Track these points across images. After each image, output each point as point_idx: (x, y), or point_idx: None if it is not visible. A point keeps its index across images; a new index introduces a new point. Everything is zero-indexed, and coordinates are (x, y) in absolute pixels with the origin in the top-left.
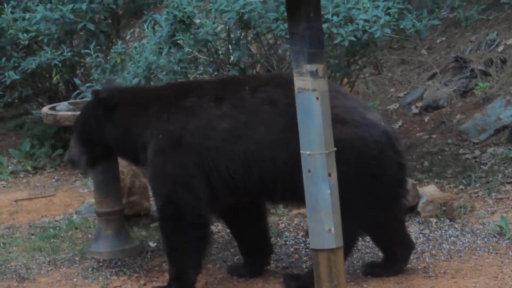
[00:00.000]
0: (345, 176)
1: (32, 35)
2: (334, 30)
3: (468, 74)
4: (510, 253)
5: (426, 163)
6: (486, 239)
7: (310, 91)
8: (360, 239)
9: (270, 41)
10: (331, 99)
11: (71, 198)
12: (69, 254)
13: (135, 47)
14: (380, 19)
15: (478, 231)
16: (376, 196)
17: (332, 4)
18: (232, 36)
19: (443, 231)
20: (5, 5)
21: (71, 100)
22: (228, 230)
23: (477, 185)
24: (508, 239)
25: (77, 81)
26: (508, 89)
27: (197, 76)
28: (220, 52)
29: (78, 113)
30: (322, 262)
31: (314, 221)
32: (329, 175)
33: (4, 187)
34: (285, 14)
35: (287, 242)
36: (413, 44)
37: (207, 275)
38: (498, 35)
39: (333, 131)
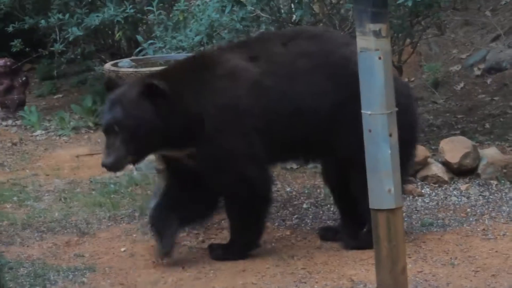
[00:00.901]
0: None
1: None
2: None
3: None
4: None
5: (487, 125)
6: None
7: (372, 50)
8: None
9: (333, 0)
10: None
11: None
12: (128, 210)
13: (198, 5)
14: None
15: None
16: None
17: None
18: None
19: (503, 194)
20: None
21: (133, 57)
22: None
23: None
24: None
25: (139, 38)
26: None
27: None
28: (282, 10)
29: (123, 103)
30: (381, 222)
31: (374, 181)
32: (390, 135)
33: (65, 142)
34: None
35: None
36: (477, 5)
37: (266, 233)
38: None
39: None
